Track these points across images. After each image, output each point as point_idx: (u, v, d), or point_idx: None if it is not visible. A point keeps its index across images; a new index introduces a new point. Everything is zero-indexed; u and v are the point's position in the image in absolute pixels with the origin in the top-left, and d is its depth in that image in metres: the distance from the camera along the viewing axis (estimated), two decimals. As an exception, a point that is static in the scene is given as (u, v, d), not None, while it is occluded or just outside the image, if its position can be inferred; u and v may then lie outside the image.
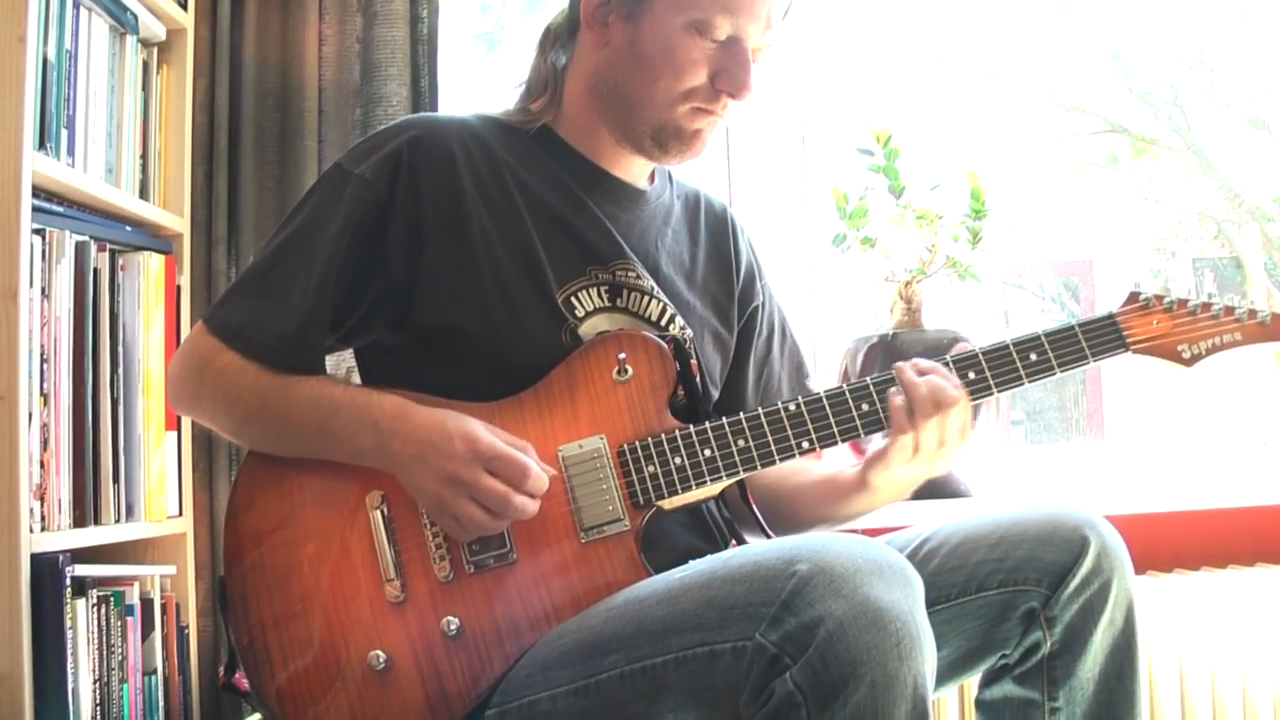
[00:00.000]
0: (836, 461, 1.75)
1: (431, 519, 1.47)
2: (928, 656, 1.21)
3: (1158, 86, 4.76)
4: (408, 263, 1.56)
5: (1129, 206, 4.96)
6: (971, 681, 1.63)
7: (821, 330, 2.85)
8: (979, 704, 1.60)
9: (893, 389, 1.55)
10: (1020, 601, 1.51)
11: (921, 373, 1.55)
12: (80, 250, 2.00)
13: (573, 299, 1.60)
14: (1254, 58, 4.47)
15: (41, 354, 1.86)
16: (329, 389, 1.53)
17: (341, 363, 2.17)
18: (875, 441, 1.60)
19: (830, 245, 2.59)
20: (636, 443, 1.52)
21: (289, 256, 1.57)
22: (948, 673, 1.56)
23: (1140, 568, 2.35)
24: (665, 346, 1.57)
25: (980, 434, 2.47)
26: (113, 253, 2.10)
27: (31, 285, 1.84)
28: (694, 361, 1.64)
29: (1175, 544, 2.46)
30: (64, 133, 1.98)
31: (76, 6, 2.05)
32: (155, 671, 2.11)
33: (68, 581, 1.83)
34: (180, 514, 2.27)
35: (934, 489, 2.48)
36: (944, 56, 4.70)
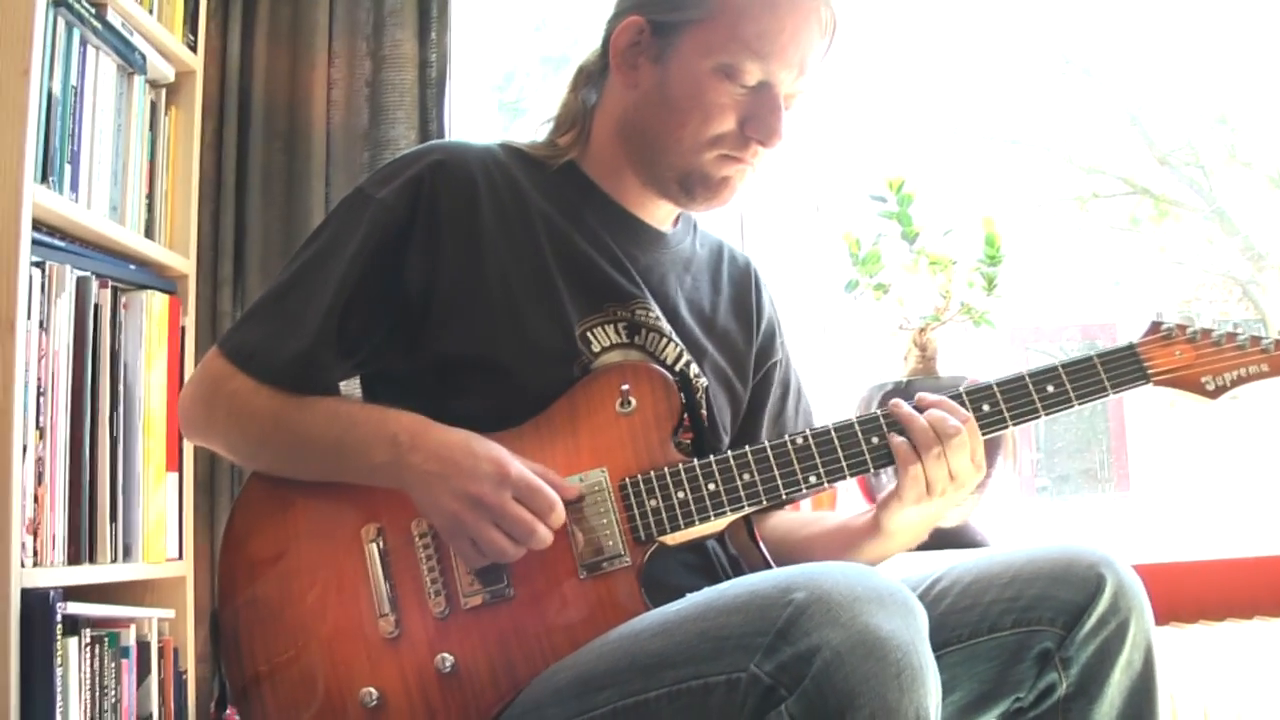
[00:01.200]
0: (849, 510, 1.69)
1: (445, 540, 1.42)
2: (931, 689, 1.16)
3: (1179, 148, 4.75)
4: (424, 288, 1.53)
5: (1152, 268, 4.94)
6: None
7: (836, 378, 2.81)
8: (992, 749, 1.54)
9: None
10: (1034, 642, 1.45)
11: (924, 407, 1.50)
12: (81, 285, 1.99)
13: (589, 334, 1.56)
14: (1275, 116, 4.46)
15: (38, 386, 1.85)
16: (345, 405, 1.51)
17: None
18: (886, 486, 1.55)
19: (843, 292, 2.56)
20: (639, 476, 1.48)
21: (305, 280, 1.54)
22: (960, 717, 1.51)
23: (1164, 619, 2.30)
24: (670, 378, 1.53)
25: (997, 484, 2.43)
26: (115, 290, 2.09)
27: (29, 317, 1.82)
28: (704, 412, 1.60)
29: (1199, 595, 2.41)
30: (68, 168, 1.98)
31: (84, 44, 2.05)
32: (150, 717, 2.08)
33: (59, 618, 1.80)
34: (180, 556, 2.24)
35: (950, 540, 2.44)
36: (965, 120, 4.70)
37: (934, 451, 1.47)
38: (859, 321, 2.76)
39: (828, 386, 2.78)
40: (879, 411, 1.52)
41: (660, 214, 1.69)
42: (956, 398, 1.53)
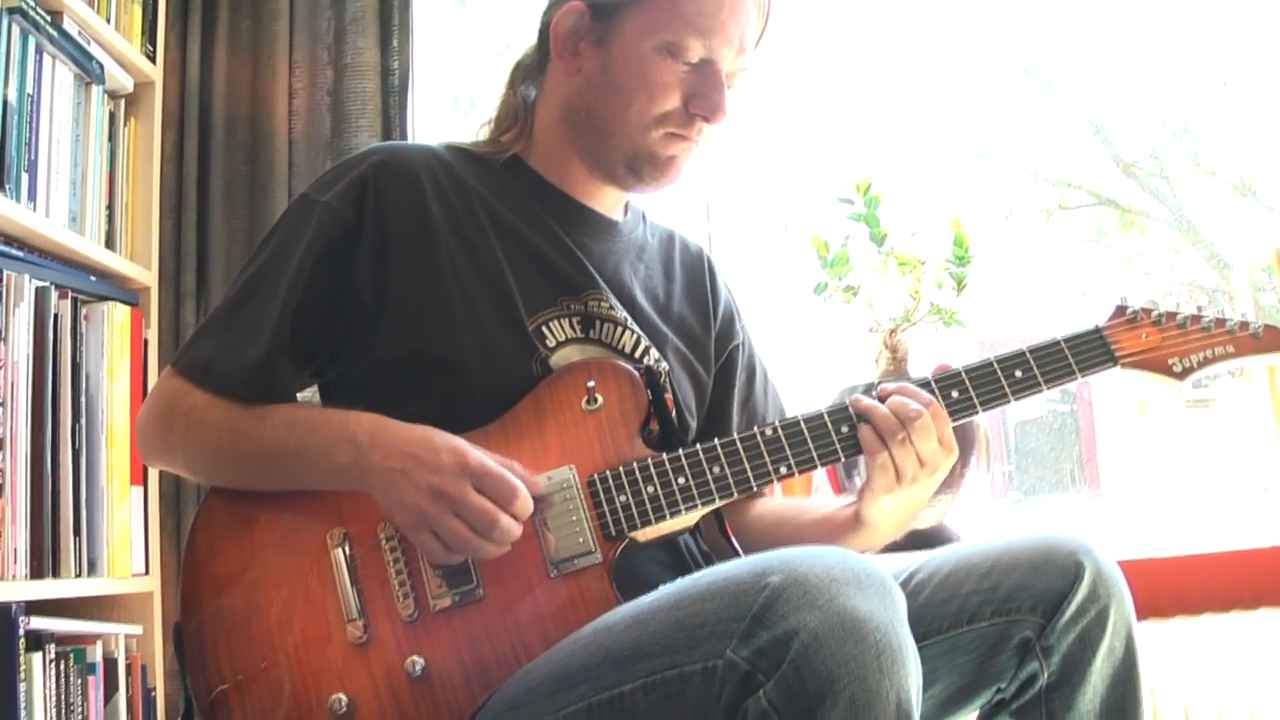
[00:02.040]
0: (833, 502, 1.68)
1: (408, 536, 1.39)
2: (911, 671, 1.14)
3: (1143, 158, 4.76)
4: (375, 289, 1.52)
5: (1119, 278, 4.95)
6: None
7: (808, 382, 2.80)
8: (975, 741, 1.52)
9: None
10: (1014, 632, 1.44)
11: (885, 396, 1.49)
12: (40, 296, 1.96)
13: (544, 329, 1.55)
14: (1238, 124, 4.48)
15: (-3, 397, 1.82)
16: (302, 411, 1.48)
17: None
18: (857, 488, 1.54)
19: (812, 294, 2.54)
20: (608, 472, 1.46)
21: (256, 290, 1.52)
22: (941, 711, 1.49)
23: (1142, 614, 2.28)
24: (636, 374, 1.51)
25: (972, 486, 2.41)
26: (76, 301, 2.06)
27: (-14, 326, 1.79)
28: (669, 395, 1.58)
29: (1177, 590, 2.39)
30: (24, 176, 1.96)
31: (39, 52, 2.03)
32: (118, 735, 2.04)
33: (21, 632, 1.77)
34: (146, 571, 2.21)
35: (925, 541, 2.42)
36: (931, 134, 4.71)
37: (898, 437, 1.46)
38: (829, 325, 2.75)
39: (800, 390, 2.76)
40: (848, 400, 1.51)
41: (609, 201, 1.69)
42: (925, 385, 1.52)
